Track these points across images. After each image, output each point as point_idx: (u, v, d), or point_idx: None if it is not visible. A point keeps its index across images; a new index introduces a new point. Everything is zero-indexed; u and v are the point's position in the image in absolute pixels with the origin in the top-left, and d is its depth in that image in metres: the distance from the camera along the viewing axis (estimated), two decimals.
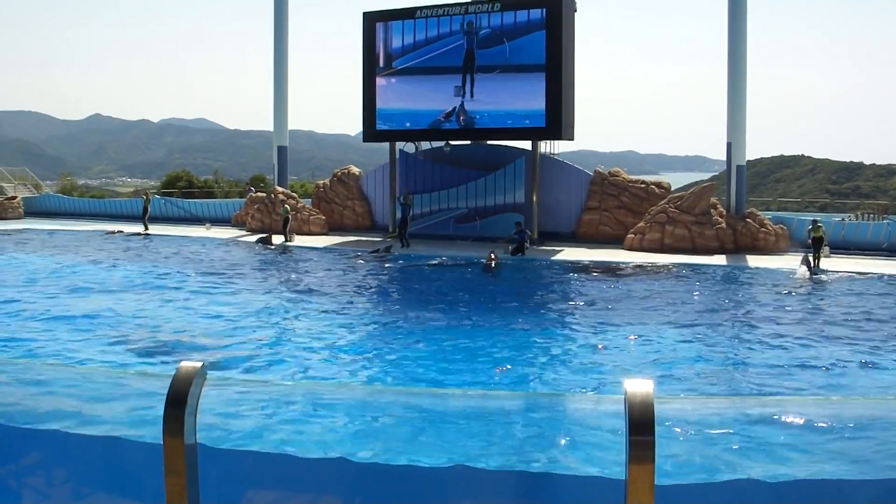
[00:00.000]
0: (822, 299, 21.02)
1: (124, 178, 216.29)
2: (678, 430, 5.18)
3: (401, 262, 27.74)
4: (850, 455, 5.43)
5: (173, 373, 3.61)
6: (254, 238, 33.98)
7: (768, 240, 29.80)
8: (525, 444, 5.89)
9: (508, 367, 13.57)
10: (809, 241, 26.59)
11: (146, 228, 37.43)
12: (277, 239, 33.26)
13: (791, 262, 26.05)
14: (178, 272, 24.49)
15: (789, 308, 19.39)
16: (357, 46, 35.55)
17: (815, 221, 27.48)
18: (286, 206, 35.14)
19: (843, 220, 33.20)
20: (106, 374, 8.95)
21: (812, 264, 25.42)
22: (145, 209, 38.61)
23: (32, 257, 28.03)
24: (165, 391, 3.54)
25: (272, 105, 39.47)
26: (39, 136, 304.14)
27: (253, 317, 17.83)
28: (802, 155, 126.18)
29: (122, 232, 36.72)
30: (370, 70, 35.11)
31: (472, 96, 32.86)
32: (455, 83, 33.17)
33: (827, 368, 13.37)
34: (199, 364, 3.64)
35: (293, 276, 24.79)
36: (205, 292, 21.03)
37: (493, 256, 26.35)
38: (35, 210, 46.20)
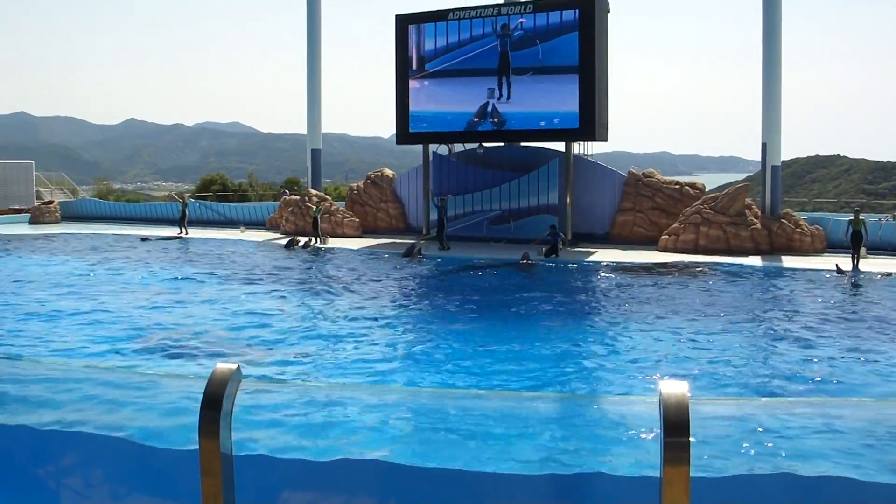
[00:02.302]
0: (864, 300, 20.78)
1: (159, 182, 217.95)
2: (713, 430, 5.13)
3: (429, 262, 27.72)
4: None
5: (209, 375, 3.62)
6: (286, 241, 34.01)
7: (804, 241, 29.52)
8: (559, 446, 5.87)
9: (550, 367, 13.53)
10: (849, 234, 26.23)
11: (183, 232, 37.57)
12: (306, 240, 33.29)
13: (827, 263, 25.80)
14: (212, 274, 24.61)
15: (832, 309, 19.14)
16: (390, 49, 35.75)
17: (857, 212, 27.09)
18: (317, 206, 35.24)
19: (879, 220, 32.78)
20: (142, 375, 9.02)
21: (852, 263, 25.17)
22: (183, 213, 38.70)
23: (68, 261, 28.29)
24: (201, 393, 3.55)
25: (305, 108, 39.74)
26: (76, 140, 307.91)
27: (286, 319, 17.90)
28: (838, 155, 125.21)
29: (151, 238, 36.18)
30: (403, 73, 35.20)
31: (508, 99, 32.87)
32: (488, 85, 33.17)
33: (876, 371, 13.23)
34: (235, 366, 3.65)
35: (326, 278, 24.82)
36: (238, 295, 21.11)
37: (527, 255, 26.66)
38: (72, 214, 46.58)
